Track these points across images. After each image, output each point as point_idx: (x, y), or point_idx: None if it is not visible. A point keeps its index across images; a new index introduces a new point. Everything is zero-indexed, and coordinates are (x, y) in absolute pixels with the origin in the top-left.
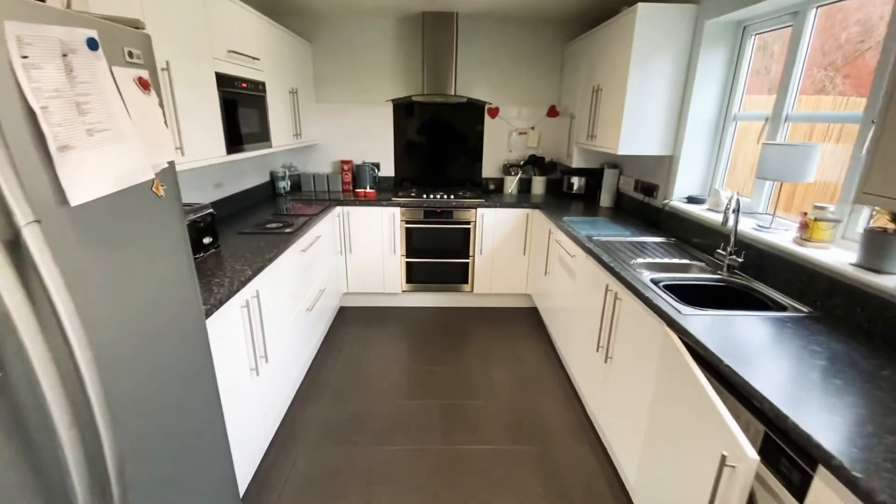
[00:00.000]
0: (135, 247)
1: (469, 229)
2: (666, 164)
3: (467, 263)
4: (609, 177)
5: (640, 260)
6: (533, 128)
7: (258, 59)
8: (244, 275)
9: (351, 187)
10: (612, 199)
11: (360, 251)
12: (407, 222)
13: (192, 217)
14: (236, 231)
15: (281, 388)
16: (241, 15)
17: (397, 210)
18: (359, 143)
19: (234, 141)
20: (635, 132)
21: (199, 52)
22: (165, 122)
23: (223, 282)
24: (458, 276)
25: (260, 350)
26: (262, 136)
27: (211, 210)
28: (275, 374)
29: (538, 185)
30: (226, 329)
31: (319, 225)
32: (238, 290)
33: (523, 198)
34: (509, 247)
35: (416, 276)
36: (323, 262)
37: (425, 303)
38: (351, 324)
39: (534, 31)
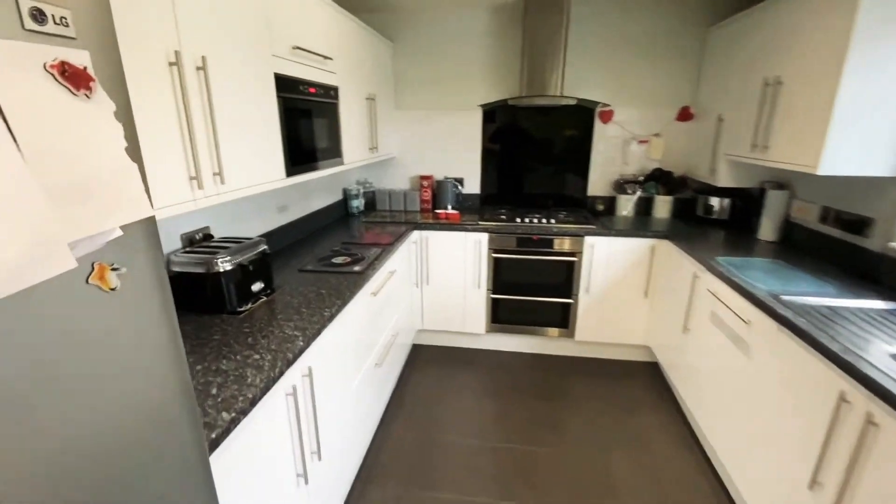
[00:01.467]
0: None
1: (573, 262)
2: (893, 192)
3: (569, 304)
4: (775, 201)
5: (889, 347)
6: (657, 134)
7: (331, 59)
8: (294, 346)
9: (430, 206)
10: (778, 231)
11: (438, 283)
12: (495, 251)
13: (238, 260)
14: (298, 267)
15: (337, 481)
16: (311, 3)
17: (484, 236)
18: (441, 155)
19: (297, 159)
20: (852, 144)
21: (253, 46)
22: (128, 149)
23: (264, 360)
24: (556, 319)
25: (311, 446)
26: (333, 152)
27: (264, 248)
28: (330, 469)
29: (662, 206)
30: (261, 432)
31: (395, 257)
32: (282, 373)
33: (642, 222)
34: (625, 286)
35: (504, 316)
36: (397, 300)
37: (513, 347)
38: (424, 369)
39: (664, 12)
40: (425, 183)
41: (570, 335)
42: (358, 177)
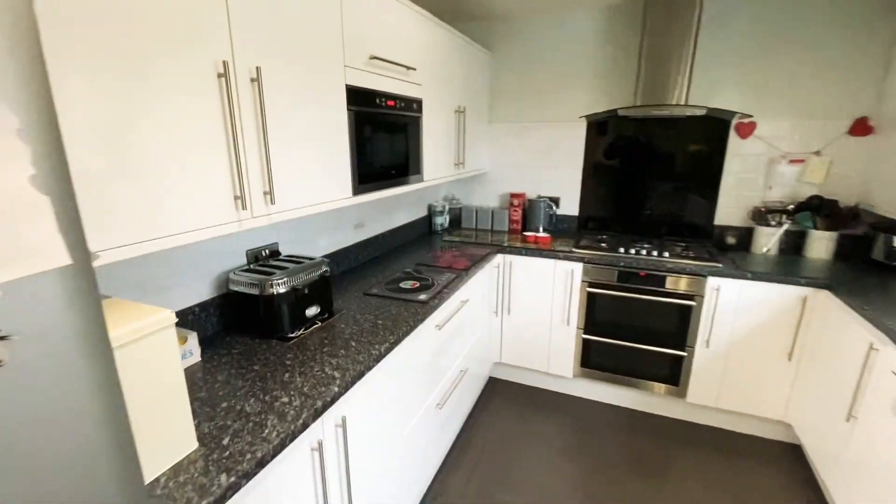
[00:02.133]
0: None
1: (690, 307)
2: None
3: (681, 357)
4: None
5: None
6: (818, 153)
7: (414, 70)
8: (328, 392)
9: (520, 227)
10: None
11: (521, 314)
12: (590, 284)
13: (293, 283)
14: (364, 290)
15: None
16: (394, 8)
17: (577, 266)
18: (535, 172)
19: (367, 176)
20: None
21: (321, 57)
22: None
23: (291, 406)
24: (663, 372)
25: None
26: (411, 168)
27: (324, 270)
28: None
29: (820, 244)
30: (271, 497)
31: (470, 284)
32: (305, 426)
33: (789, 264)
34: (762, 344)
35: (597, 360)
36: (469, 331)
37: (606, 397)
38: (499, 409)
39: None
40: (516, 201)
41: (681, 394)
42: (445, 192)
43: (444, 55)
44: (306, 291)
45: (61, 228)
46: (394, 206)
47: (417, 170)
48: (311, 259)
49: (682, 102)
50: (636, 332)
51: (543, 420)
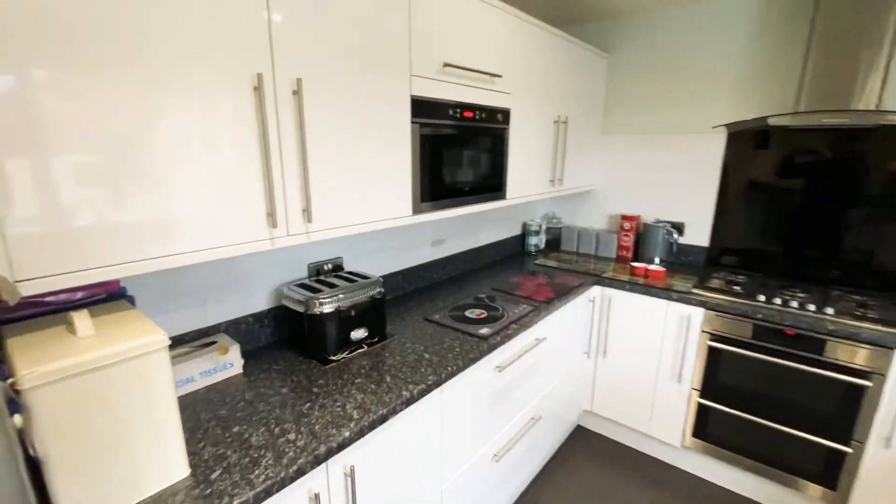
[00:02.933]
0: None
1: (864, 388)
2: None
3: (843, 454)
4: None
5: None
6: None
7: (499, 77)
8: (338, 436)
9: (630, 256)
10: None
11: (619, 359)
12: (714, 337)
13: (340, 304)
14: (425, 315)
15: None
16: (477, 8)
17: (696, 312)
18: (655, 191)
19: (432, 194)
20: None
21: (382, 66)
22: None
23: (294, 445)
24: (814, 468)
25: None
26: (490, 185)
27: (376, 292)
28: None
29: None
30: None
31: (550, 319)
32: (301, 472)
33: None
34: None
35: (716, 433)
36: (547, 374)
37: (726, 482)
38: (582, 466)
39: None
40: (627, 225)
41: (841, 502)
42: (546, 210)
43: (540, 59)
44: (353, 313)
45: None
46: (478, 224)
47: (499, 187)
48: (366, 278)
49: (874, 107)
50: (777, 409)
51: (635, 491)
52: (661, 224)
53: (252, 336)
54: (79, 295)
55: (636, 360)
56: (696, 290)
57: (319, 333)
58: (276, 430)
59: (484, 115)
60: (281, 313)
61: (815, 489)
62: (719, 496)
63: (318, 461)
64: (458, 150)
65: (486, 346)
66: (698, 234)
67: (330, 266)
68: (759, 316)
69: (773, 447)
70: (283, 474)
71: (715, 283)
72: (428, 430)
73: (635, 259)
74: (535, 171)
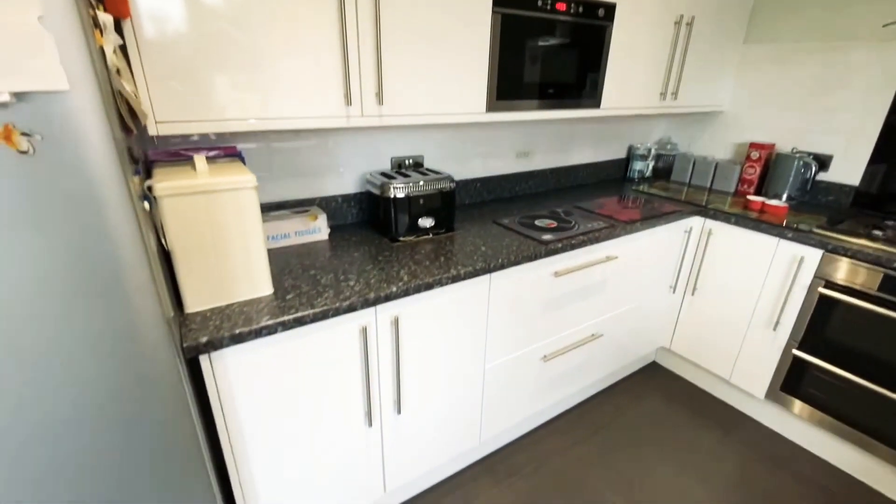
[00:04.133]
0: None
1: None
2: None
3: None
4: None
5: None
6: None
7: None
8: (387, 290)
9: (752, 191)
10: None
11: (710, 299)
12: (829, 285)
13: (411, 191)
14: (495, 219)
15: (427, 445)
16: None
17: (812, 254)
18: (799, 116)
19: (512, 91)
20: None
21: None
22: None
23: (350, 289)
24: None
25: (387, 393)
26: (582, 91)
27: (445, 186)
28: (416, 429)
29: None
30: (311, 350)
31: (627, 241)
32: (352, 308)
33: None
34: None
35: (809, 391)
36: (617, 295)
37: (809, 443)
38: (647, 397)
39: None
40: (755, 154)
41: None
42: (662, 134)
43: None
44: (422, 202)
45: (62, 60)
46: (571, 139)
47: (593, 93)
48: (440, 174)
49: None
50: (891, 373)
51: (701, 434)
52: (799, 154)
53: (340, 214)
54: (208, 153)
55: (729, 301)
56: (817, 230)
57: (391, 215)
58: (342, 277)
59: (581, 9)
60: (364, 198)
61: None
62: (796, 455)
63: (367, 303)
64: (544, 46)
65: (543, 251)
66: (848, 170)
67: (411, 161)
68: None
69: (877, 416)
70: (337, 305)
71: (848, 225)
72: (474, 310)
73: (757, 195)
74: (641, 82)
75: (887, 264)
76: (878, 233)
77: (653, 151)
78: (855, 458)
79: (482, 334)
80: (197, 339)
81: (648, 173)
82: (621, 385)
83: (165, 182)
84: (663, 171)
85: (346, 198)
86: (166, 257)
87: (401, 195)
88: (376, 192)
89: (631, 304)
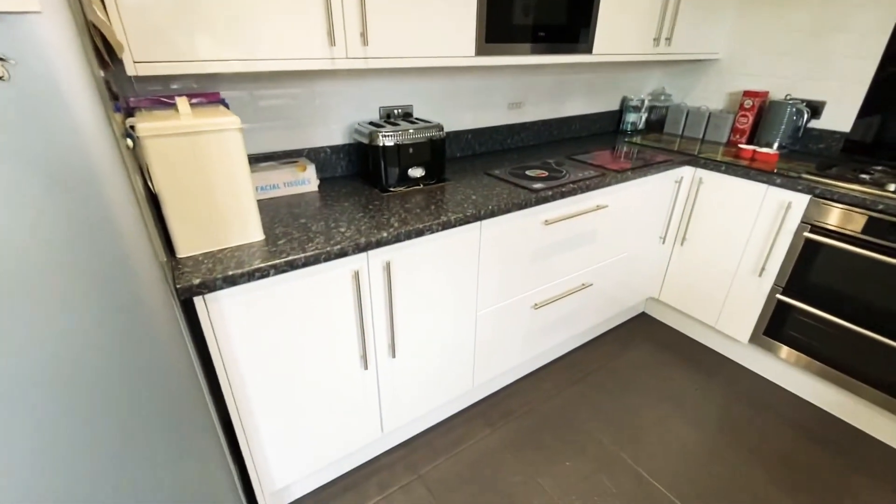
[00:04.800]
0: None
1: None
2: None
3: None
4: None
5: None
6: None
7: None
8: (376, 234)
9: (744, 140)
10: None
11: (698, 248)
12: (815, 229)
13: (400, 140)
14: (487, 170)
15: (420, 388)
16: None
17: (800, 200)
18: (794, 62)
19: (501, 34)
20: None
21: None
22: None
23: (341, 235)
24: None
25: (381, 337)
26: (574, 33)
27: (435, 135)
28: (409, 373)
29: None
30: (307, 293)
31: (618, 190)
32: (343, 253)
33: None
34: None
35: (791, 334)
36: (607, 244)
37: (789, 384)
38: (636, 345)
39: None
40: (749, 102)
41: None
42: (656, 85)
43: None
44: (411, 151)
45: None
46: (563, 90)
47: (584, 38)
48: (429, 122)
49: None
50: (870, 313)
51: (686, 378)
52: (792, 101)
53: (329, 165)
54: (191, 100)
55: (717, 250)
56: (806, 175)
57: (380, 165)
58: (332, 224)
59: None
60: (353, 149)
61: (893, 403)
62: (778, 397)
63: (358, 248)
64: None
65: (533, 199)
66: (840, 116)
67: (400, 111)
68: (881, 207)
69: (857, 356)
70: (328, 250)
71: (837, 171)
72: (464, 258)
73: (749, 144)
74: (634, 26)
75: (872, 206)
76: (864, 177)
77: (646, 103)
78: (836, 398)
79: (473, 281)
80: (190, 280)
81: (641, 125)
82: (611, 334)
83: (148, 123)
84: (657, 123)
85: (335, 149)
86: (154, 202)
87: (389, 143)
88: (364, 140)
89: (621, 254)
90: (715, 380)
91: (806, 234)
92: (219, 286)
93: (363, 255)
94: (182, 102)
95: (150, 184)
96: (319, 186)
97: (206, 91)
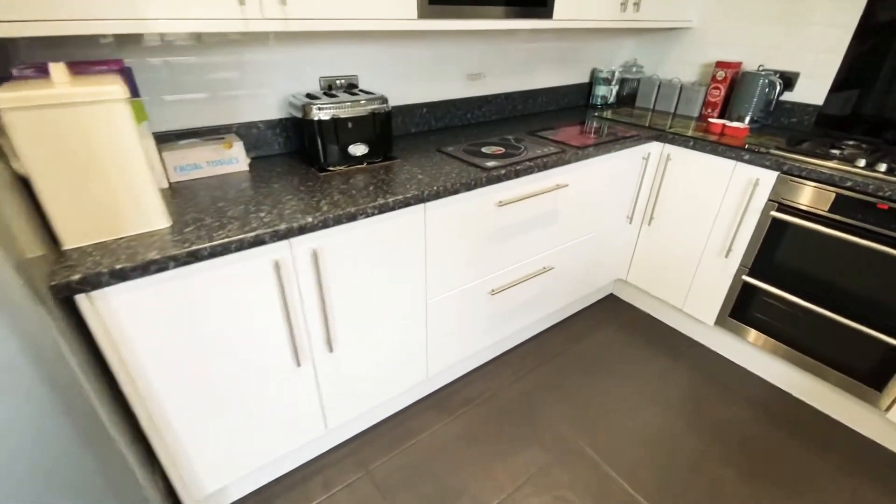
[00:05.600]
0: None
1: None
2: None
3: None
4: None
5: None
6: None
7: None
8: (301, 220)
9: (716, 114)
10: None
11: (665, 228)
12: (781, 208)
13: (338, 113)
14: (440, 147)
15: (363, 383)
16: None
17: (767, 176)
18: (770, 30)
19: None
20: None
21: None
22: None
23: (260, 221)
24: (862, 366)
25: (315, 332)
26: None
27: (378, 108)
28: (353, 367)
29: None
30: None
31: (579, 167)
32: (259, 241)
33: None
34: None
35: (755, 315)
36: (570, 225)
37: (753, 366)
38: (603, 328)
39: None
40: (721, 73)
41: (879, 404)
42: (627, 57)
43: None
44: (350, 126)
45: None
46: (527, 61)
47: (544, 0)
48: (372, 94)
49: None
50: (836, 297)
51: (651, 360)
52: (763, 72)
53: (264, 142)
54: (89, 69)
55: (685, 230)
56: (775, 151)
57: (316, 142)
58: (252, 209)
59: None
60: (290, 124)
61: (856, 387)
62: (741, 378)
63: (277, 236)
64: None
65: (484, 178)
66: (813, 88)
67: (343, 82)
68: (849, 184)
69: (821, 338)
70: (241, 238)
71: (807, 147)
72: (409, 243)
73: (721, 118)
74: None
75: (840, 184)
76: (835, 152)
77: (616, 75)
78: (802, 381)
79: (420, 268)
80: (68, 277)
81: (612, 99)
82: (577, 317)
83: (11, 93)
84: (628, 96)
85: (270, 124)
86: (26, 187)
87: (325, 117)
88: (298, 114)
89: (586, 234)
90: (680, 363)
91: (773, 213)
92: (106, 282)
93: (285, 242)
94: (57, 69)
95: (13, 164)
96: (251, 165)
97: (108, 59)
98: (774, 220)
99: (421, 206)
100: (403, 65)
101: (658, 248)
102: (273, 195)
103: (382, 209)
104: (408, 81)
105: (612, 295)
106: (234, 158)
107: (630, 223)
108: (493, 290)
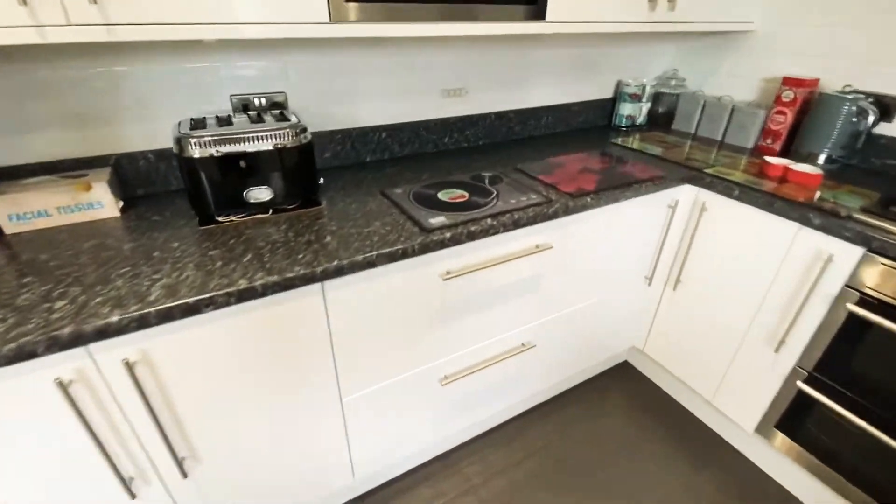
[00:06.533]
0: None
1: None
2: None
3: None
4: None
5: None
6: None
7: None
8: (108, 315)
9: (777, 148)
10: None
11: (696, 295)
12: (864, 302)
13: (227, 149)
14: (387, 186)
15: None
16: None
17: (849, 252)
18: (861, 34)
19: None
20: None
21: None
22: None
23: (45, 318)
24: None
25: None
26: None
27: (295, 137)
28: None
29: None
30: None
31: (567, 222)
32: (32, 354)
33: None
34: None
35: (811, 436)
36: (555, 292)
37: (802, 493)
38: (613, 410)
39: None
40: (789, 94)
41: None
42: (666, 66)
43: None
44: (243, 165)
45: None
46: (527, 71)
47: None
48: (286, 120)
49: None
50: None
51: (668, 461)
52: (850, 95)
53: (155, 177)
54: None
55: (721, 304)
56: (861, 216)
57: (200, 184)
58: (56, 294)
59: None
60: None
61: None
62: (783, 502)
63: (58, 345)
64: None
65: (417, 246)
66: None
67: (264, 102)
68: None
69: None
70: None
71: None
72: (305, 331)
73: (785, 154)
74: None
75: None
76: None
77: (648, 90)
78: None
79: (327, 361)
80: None
81: (641, 119)
82: (578, 390)
83: None
84: (664, 117)
85: (162, 155)
86: None
87: (198, 154)
88: (174, 147)
89: (583, 302)
90: (707, 469)
91: (850, 305)
92: None
93: (80, 350)
94: None
95: None
96: (130, 208)
97: None
98: (852, 315)
99: (316, 285)
100: (351, 77)
101: (686, 321)
102: (110, 264)
103: (243, 297)
104: (361, 99)
105: (626, 363)
106: (97, 202)
107: (649, 286)
108: (445, 378)
